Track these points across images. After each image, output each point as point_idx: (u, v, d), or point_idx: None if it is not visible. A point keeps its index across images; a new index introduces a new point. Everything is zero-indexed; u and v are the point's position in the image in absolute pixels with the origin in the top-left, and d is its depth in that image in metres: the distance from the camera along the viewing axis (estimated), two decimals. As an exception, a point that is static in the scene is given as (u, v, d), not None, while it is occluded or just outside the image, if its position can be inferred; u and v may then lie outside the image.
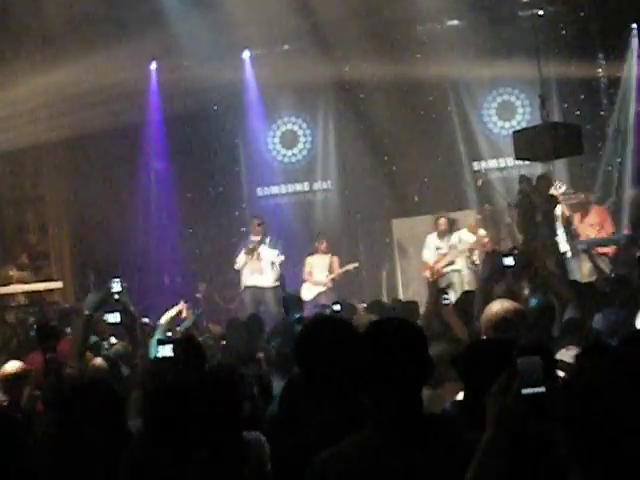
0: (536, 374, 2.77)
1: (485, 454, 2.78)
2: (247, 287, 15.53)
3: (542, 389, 2.77)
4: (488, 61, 16.65)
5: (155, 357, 6.03)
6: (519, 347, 2.96)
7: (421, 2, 16.48)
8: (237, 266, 15.66)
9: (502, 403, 2.80)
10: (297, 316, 8.18)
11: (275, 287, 14.86)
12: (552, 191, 13.96)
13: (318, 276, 16.29)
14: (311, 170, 19.20)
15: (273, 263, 15.27)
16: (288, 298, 9.37)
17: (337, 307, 8.97)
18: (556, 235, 13.70)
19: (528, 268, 5.88)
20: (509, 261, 6.59)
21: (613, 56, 16.80)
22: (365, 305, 11.75)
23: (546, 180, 13.98)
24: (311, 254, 16.54)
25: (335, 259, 16.47)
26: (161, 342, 5.98)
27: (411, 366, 3.25)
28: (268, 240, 15.47)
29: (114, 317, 7.26)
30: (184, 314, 9.71)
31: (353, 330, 4.01)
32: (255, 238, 15.41)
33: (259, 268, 15.38)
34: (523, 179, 13.84)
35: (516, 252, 5.99)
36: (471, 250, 15.75)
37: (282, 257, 15.25)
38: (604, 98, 17.36)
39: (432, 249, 15.92)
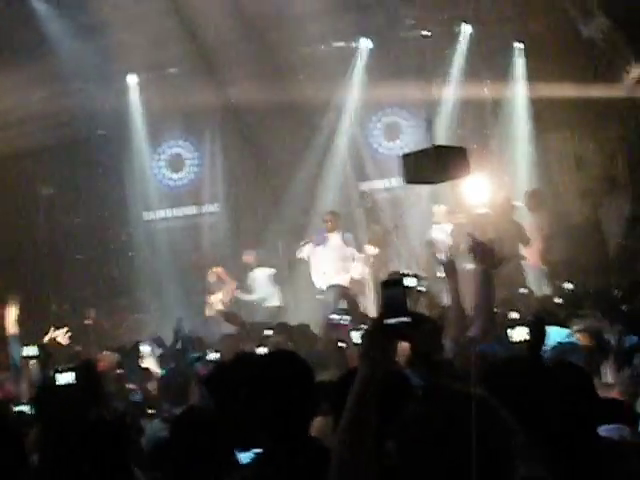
0: (400, 304, 2.81)
1: (358, 397, 2.73)
2: (332, 286, 15.08)
3: (407, 318, 2.80)
4: (374, 82, 16.85)
5: (56, 385, 5.93)
6: (383, 281, 2.97)
7: (306, 24, 16.51)
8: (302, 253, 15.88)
9: (370, 336, 2.82)
10: (196, 356, 8.31)
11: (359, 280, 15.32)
12: None
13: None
14: (198, 193, 19.19)
15: (353, 258, 15.47)
16: (185, 339, 9.47)
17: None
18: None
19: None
20: (411, 282, 6.65)
21: (498, 76, 17.04)
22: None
23: None
24: None
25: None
26: (59, 370, 5.89)
27: (301, 398, 3.39)
28: (342, 235, 15.74)
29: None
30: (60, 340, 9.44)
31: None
32: (330, 234, 15.63)
33: (342, 266, 15.38)
34: None
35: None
36: None
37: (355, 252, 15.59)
38: (490, 118, 17.61)
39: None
